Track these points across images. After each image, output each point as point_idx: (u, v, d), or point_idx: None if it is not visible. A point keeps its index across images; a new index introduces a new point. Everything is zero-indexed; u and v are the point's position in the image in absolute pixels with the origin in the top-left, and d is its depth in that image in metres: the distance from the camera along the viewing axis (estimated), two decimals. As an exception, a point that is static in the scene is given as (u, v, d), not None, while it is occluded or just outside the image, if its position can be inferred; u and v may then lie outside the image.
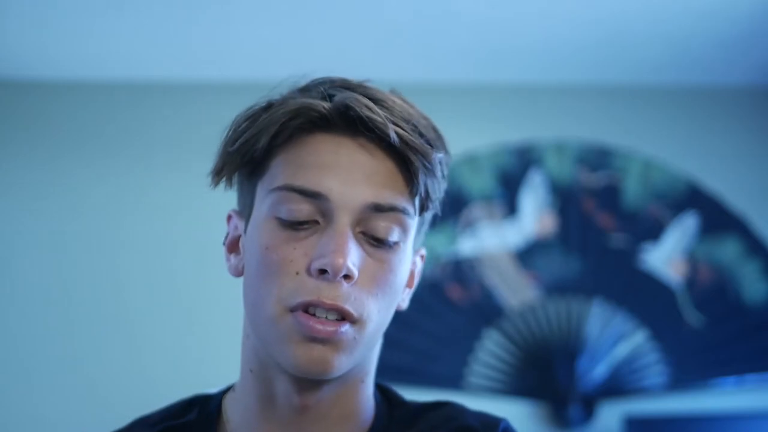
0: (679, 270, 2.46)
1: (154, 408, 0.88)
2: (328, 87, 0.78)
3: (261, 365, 0.78)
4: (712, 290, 2.42)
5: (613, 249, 2.47)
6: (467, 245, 2.45)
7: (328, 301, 0.72)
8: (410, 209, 0.77)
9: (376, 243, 0.75)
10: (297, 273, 0.73)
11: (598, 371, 2.35)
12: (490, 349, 2.37)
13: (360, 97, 0.76)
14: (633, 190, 2.52)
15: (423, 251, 0.86)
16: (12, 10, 2.14)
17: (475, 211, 2.47)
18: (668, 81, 2.60)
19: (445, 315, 2.39)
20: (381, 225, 0.75)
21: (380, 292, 0.75)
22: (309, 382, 0.76)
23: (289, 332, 0.73)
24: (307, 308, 0.72)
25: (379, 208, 0.74)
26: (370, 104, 0.76)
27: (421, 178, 0.76)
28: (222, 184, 0.80)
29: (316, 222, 0.74)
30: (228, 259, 0.83)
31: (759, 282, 2.41)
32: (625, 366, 2.36)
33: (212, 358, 2.27)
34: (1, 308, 2.38)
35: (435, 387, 2.27)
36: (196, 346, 2.33)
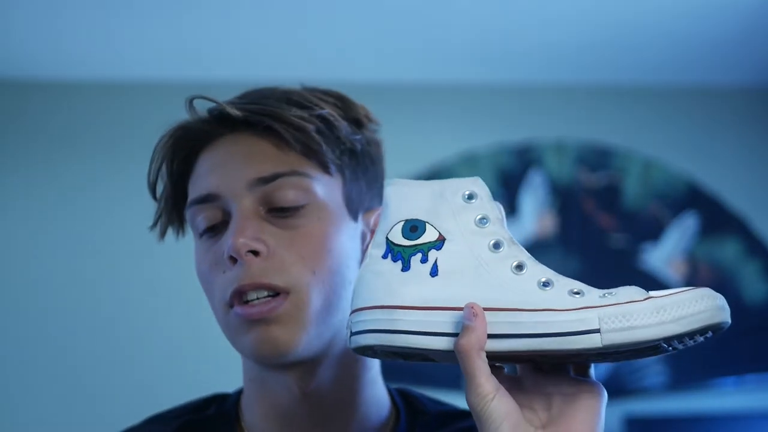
0: (679, 270, 2.46)
1: (153, 409, 0.88)
2: (192, 99, 0.82)
3: (257, 371, 0.80)
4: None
5: (613, 249, 2.47)
6: (467, 245, 2.45)
7: (248, 281, 0.73)
8: (302, 170, 0.77)
9: (281, 213, 0.76)
10: (223, 271, 0.75)
11: (598, 371, 2.35)
12: (490, 349, 2.37)
13: (225, 100, 0.81)
14: (633, 190, 2.52)
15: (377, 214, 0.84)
16: (12, 10, 2.14)
17: (475, 211, 2.47)
18: (668, 81, 2.60)
19: (445, 315, 2.39)
20: (277, 194, 0.76)
21: (308, 257, 0.75)
22: (301, 373, 0.77)
23: (235, 326, 0.75)
24: (241, 298, 0.74)
25: (264, 180, 0.76)
26: (231, 99, 0.81)
27: (290, 137, 0.77)
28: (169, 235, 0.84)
29: (226, 222, 0.77)
30: None
31: (759, 282, 2.41)
32: (625, 366, 2.36)
33: (212, 358, 2.28)
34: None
35: (435, 387, 2.27)
36: (195, 346, 2.33)
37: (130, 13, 2.16)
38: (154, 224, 0.83)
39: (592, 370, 0.66)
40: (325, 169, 0.78)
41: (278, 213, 0.76)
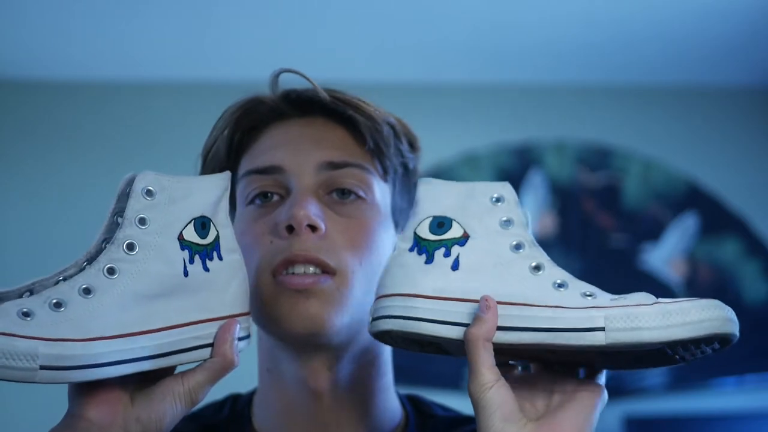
0: (679, 270, 2.46)
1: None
2: (281, 73, 0.83)
3: (275, 362, 0.80)
4: (712, 290, 2.42)
5: (613, 249, 2.47)
6: (467, 245, 2.45)
7: (301, 253, 0.74)
8: (367, 166, 0.80)
9: (340, 197, 0.78)
10: (271, 241, 0.76)
11: (598, 371, 2.35)
12: (490, 349, 2.37)
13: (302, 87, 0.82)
14: (633, 190, 2.52)
15: None
16: (12, 10, 2.15)
17: (475, 211, 2.47)
18: (668, 81, 2.60)
19: (445, 315, 2.39)
20: (340, 179, 0.78)
21: (357, 246, 0.77)
22: (315, 366, 0.77)
23: (275, 295, 0.75)
24: (287, 268, 0.75)
25: (333, 165, 0.78)
26: (310, 88, 0.82)
27: (367, 132, 0.80)
28: None
29: (281, 197, 0.78)
30: None
31: (759, 282, 2.41)
32: (625, 366, 2.36)
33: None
34: None
35: (434, 387, 2.27)
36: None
37: (131, 13, 2.16)
38: None
39: (603, 377, 0.67)
40: (384, 173, 0.82)
41: (338, 200, 0.78)
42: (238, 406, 0.86)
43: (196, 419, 0.86)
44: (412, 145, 0.87)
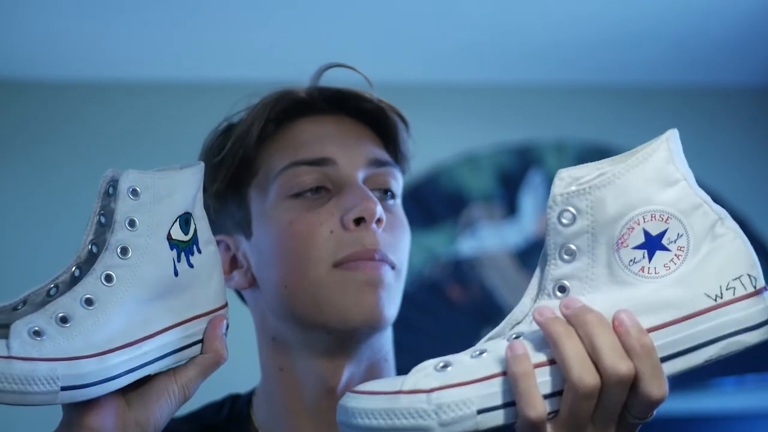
0: (679, 270, 2.46)
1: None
2: (328, 68, 0.87)
3: (290, 359, 0.80)
4: (712, 290, 2.42)
5: (613, 249, 2.47)
6: (467, 245, 2.45)
7: (372, 247, 0.76)
8: (398, 166, 0.85)
9: (383, 196, 0.81)
10: (331, 231, 0.77)
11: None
12: (490, 349, 2.37)
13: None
14: (633, 190, 2.52)
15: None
16: (11, 10, 2.14)
17: (475, 211, 2.47)
18: (668, 81, 2.60)
19: (445, 315, 2.39)
20: (382, 179, 0.81)
21: (399, 240, 0.80)
22: (337, 363, 0.78)
23: (343, 284, 0.76)
24: (356, 260, 0.76)
25: (379, 163, 0.81)
26: (341, 86, 0.85)
27: (401, 135, 0.84)
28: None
29: (327, 190, 0.79)
30: (230, 279, 0.85)
31: (759, 282, 2.41)
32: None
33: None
34: None
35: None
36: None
37: (130, 13, 2.16)
38: (212, 184, 0.82)
39: None
40: (403, 173, 0.86)
41: (381, 194, 0.80)
42: (238, 406, 0.86)
43: (195, 420, 0.86)
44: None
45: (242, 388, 0.90)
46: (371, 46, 2.36)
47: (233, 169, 0.82)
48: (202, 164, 0.70)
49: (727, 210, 0.66)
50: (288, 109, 0.82)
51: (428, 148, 2.61)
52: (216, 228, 0.86)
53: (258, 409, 0.84)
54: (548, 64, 2.49)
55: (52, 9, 2.14)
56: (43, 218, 2.44)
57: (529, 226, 2.48)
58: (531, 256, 2.44)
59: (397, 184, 0.83)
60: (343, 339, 0.78)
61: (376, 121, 0.83)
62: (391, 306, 0.78)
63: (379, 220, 0.76)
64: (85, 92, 2.52)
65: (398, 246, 0.79)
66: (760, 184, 2.54)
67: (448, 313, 2.39)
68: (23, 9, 2.13)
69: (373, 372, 0.81)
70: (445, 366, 0.59)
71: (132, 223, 0.64)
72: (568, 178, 0.59)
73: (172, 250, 0.65)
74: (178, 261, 0.65)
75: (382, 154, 0.82)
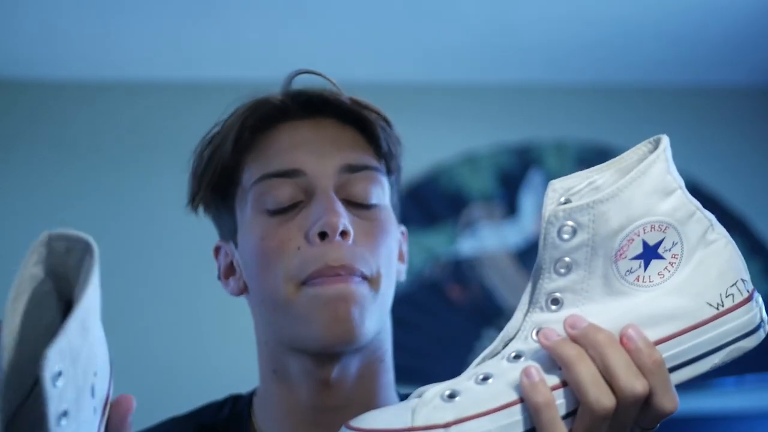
0: (679, 270, 2.46)
1: (153, 412, 0.89)
2: (296, 74, 0.83)
3: (281, 363, 0.80)
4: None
5: (613, 249, 2.47)
6: (467, 245, 2.45)
7: (336, 264, 0.73)
8: (381, 167, 0.80)
9: (359, 205, 0.77)
10: (298, 248, 0.74)
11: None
12: (490, 349, 2.37)
13: (308, 86, 0.82)
14: (633, 190, 2.52)
15: (403, 228, 0.88)
16: (11, 10, 2.14)
17: (475, 211, 2.47)
18: (668, 81, 2.60)
19: (445, 315, 2.39)
20: (359, 187, 0.77)
21: (379, 249, 0.77)
22: (329, 359, 0.76)
23: (310, 302, 0.73)
24: (321, 277, 0.73)
25: (352, 169, 0.77)
26: (319, 88, 0.81)
27: (381, 133, 0.80)
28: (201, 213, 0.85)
29: (301, 201, 0.77)
30: (227, 285, 0.85)
31: (759, 282, 2.41)
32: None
33: (213, 359, 2.27)
34: None
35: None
36: (197, 346, 2.33)
37: (130, 13, 2.16)
38: (194, 195, 0.82)
39: None
40: (389, 172, 0.82)
41: (356, 204, 0.77)
42: (239, 406, 0.86)
43: (195, 419, 0.86)
44: (399, 141, 0.87)
45: (244, 389, 0.90)
46: (371, 46, 2.36)
47: (216, 179, 0.81)
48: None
49: (726, 210, 0.65)
50: (263, 117, 0.80)
51: (428, 148, 2.62)
52: (219, 233, 0.86)
53: (258, 410, 0.84)
54: (548, 64, 2.49)
55: (52, 9, 2.14)
56: (43, 218, 2.43)
57: (529, 226, 2.48)
58: (531, 256, 2.44)
59: (378, 187, 0.79)
60: (324, 356, 0.76)
61: (356, 121, 0.80)
62: (369, 319, 0.74)
63: (344, 233, 0.73)
64: (85, 92, 2.52)
65: (376, 254, 0.76)
66: (760, 184, 2.54)
67: (448, 313, 2.39)
68: (23, 9, 2.13)
69: (371, 368, 0.80)
70: (453, 395, 0.57)
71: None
72: (560, 190, 0.60)
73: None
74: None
75: (359, 158, 0.78)
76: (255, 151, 0.80)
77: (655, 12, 2.21)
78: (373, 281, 0.75)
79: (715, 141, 2.59)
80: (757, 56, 2.47)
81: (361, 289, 0.74)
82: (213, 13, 2.18)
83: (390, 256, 0.78)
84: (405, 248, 0.88)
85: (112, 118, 2.51)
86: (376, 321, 0.76)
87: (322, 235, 0.73)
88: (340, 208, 0.74)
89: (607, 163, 0.62)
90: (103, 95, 2.52)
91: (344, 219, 0.74)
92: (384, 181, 0.80)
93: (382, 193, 0.79)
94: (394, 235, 0.80)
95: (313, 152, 0.77)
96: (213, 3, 2.13)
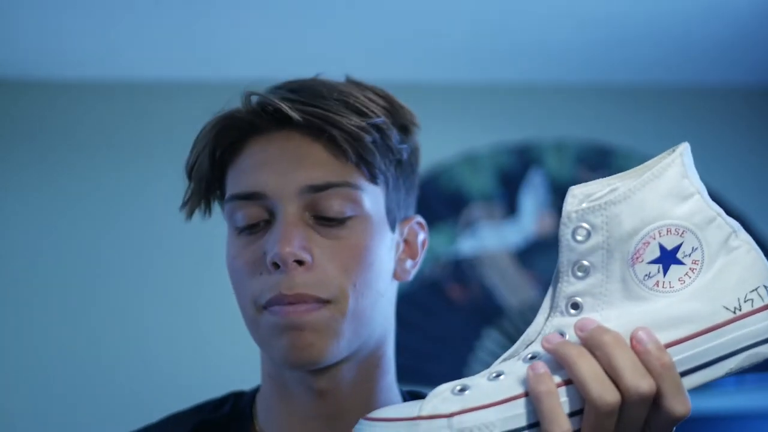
0: (679, 270, 2.46)
1: (153, 411, 0.89)
2: (251, 94, 0.79)
3: (276, 370, 0.80)
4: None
5: (613, 249, 2.47)
6: (467, 245, 2.45)
7: (289, 293, 0.72)
8: (353, 181, 0.76)
9: (327, 222, 0.75)
10: (261, 273, 0.74)
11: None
12: (490, 349, 2.37)
13: (276, 92, 0.78)
14: (633, 190, 2.52)
15: (418, 218, 0.86)
16: (11, 10, 2.14)
17: (475, 211, 2.47)
18: (668, 81, 2.60)
19: (445, 315, 2.39)
20: (326, 204, 0.75)
21: (350, 269, 0.75)
22: (315, 370, 0.76)
23: (269, 328, 0.74)
24: (275, 305, 0.73)
25: (316, 189, 0.75)
26: (286, 95, 0.77)
27: (348, 146, 0.75)
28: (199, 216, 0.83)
29: (268, 221, 0.76)
30: None
31: (759, 282, 2.41)
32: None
33: (212, 359, 2.27)
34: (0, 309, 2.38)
35: (434, 387, 2.27)
36: (197, 346, 2.33)
37: (130, 13, 2.16)
38: (185, 204, 0.82)
39: None
40: (373, 179, 0.78)
41: (324, 222, 0.75)
42: (241, 404, 0.86)
43: (196, 413, 0.86)
44: (406, 130, 0.83)
45: (246, 386, 0.90)
46: (370, 46, 2.36)
47: (204, 192, 0.81)
48: None
49: (726, 210, 0.65)
50: (232, 134, 0.78)
51: (428, 147, 2.61)
52: None
53: (260, 409, 0.84)
54: (548, 63, 2.49)
55: (53, 9, 2.14)
56: (43, 218, 2.44)
57: (529, 225, 2.48)
58: (531, 255, 2.44)
59: (350, 201, 0.75)
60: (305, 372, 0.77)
61: (333, 128, 0.75)
62: (336, 339, 0.73)
63: (300, 262, 0.72)
64: (86, 92, 2.52)
65: (344, 272, 0.74)
66: (760, 184, 2.54)
67: (448, 312, 2.39)
68: (24, 9, 2.13)
69: (369, 373, 0.80)
70: (463, 389, 0.58)
71: None
72: (580, 195, 0.60)
73: None
74: None
75: (324, 176, 0.75)
76: (231, 167, 0.79)
77: (654, 12, 2.21)
78: (334, 302, 0.74)
79: (714, 141, 2.59)
80: (757, 56, 2.47)
81: (319, 315, 0.73)
82: (214, 13, 2.18)
83: (367, 270, 0.76)
84: (422, 238, 0.86)
85: (112, 118, 2.51)
86: (349, 338, 0.75)
87: (276, 265, 0.73)
88: (294, 236, 0.73)
89: (630, 170, 0.63)
90: (104, 95, 2.52)
91: (297, 248, 0.72)
92: (357, 194, 0.76)
93: (358, 205, 0.76)
94: (380, 242, 0.78)
95: (276, 172, 0.75)
96: (214, 3, 2.13)
